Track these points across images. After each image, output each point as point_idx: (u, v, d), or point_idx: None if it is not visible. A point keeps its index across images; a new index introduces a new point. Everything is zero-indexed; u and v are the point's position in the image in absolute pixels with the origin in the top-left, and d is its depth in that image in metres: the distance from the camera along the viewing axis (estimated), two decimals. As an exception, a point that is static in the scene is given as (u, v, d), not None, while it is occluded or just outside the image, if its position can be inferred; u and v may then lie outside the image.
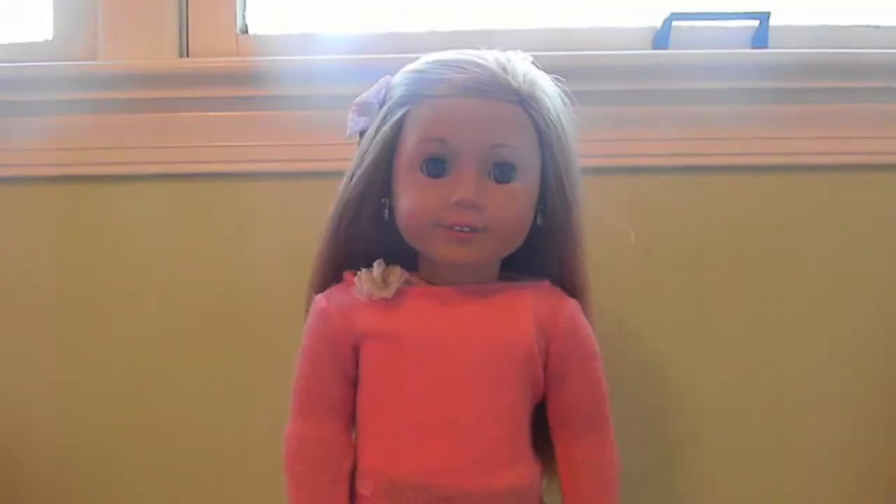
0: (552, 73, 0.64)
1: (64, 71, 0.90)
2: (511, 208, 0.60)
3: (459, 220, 0.59)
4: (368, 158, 0.62)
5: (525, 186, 0.61)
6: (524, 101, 0.60)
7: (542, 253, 0.65)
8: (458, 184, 0.59)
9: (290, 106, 0.89)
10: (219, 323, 0.91)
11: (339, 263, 0.66)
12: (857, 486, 0.89)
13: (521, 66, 0.61)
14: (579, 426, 0.64)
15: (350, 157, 0.66)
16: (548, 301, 0.64)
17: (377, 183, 0.63)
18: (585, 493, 0.63)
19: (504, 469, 0.61)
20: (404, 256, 0.64)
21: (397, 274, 0.63)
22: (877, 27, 0.92)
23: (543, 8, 0.95)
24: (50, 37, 0.96)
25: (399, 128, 0.62)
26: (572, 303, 0.65)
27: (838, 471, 0.89)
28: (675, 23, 0.90)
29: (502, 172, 0.60)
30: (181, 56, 0.94)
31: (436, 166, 0.60)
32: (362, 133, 0.66)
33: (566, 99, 0.64)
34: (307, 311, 0.66)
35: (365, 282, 0.62)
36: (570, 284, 0.66)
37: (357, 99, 0.66)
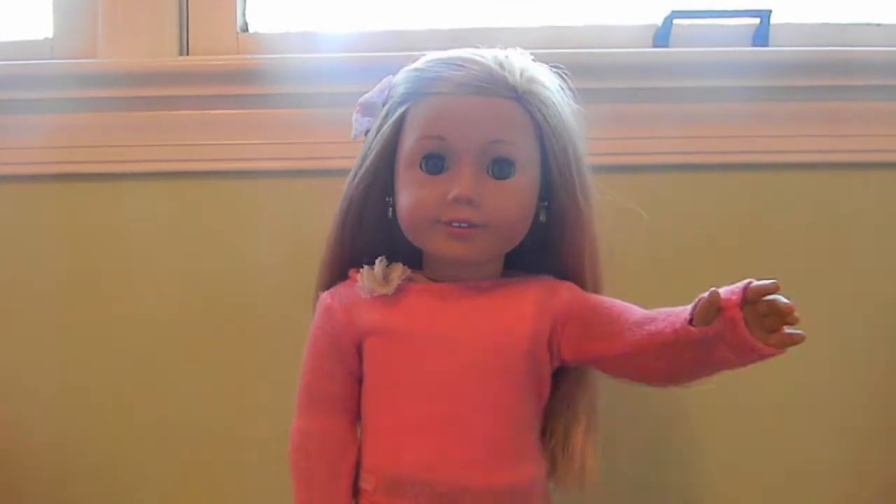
0: (552, 70, 0.64)
1: (64, 69, 0.90)
2: (509, 204, 0.60)
3: (457, 217, 0.59)
4: (370, 157, 0.63)
5: (524, 182, 0.61)
6: (521, 97, 0.60)
7: (553, 250, 0.65)
8: (455, 180, 0.59)
9: (290, 104, 0.89)
10: (219, 321, 0.91)
11: (345, 262, 0.66)
12: (857, 485, 0.89)
13: (519, 63, 0.61)
14: (638, 319, 0.60)
15: (350, 155, 0.66)
16: (547, 291, 0.63)
17: (380, 181, 0.63)
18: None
19: (506, 466, 0.61)
20: (409, 254, 0.64)
21: (399, 271, 0.63)
22: (877, 25, 0.92)
23: (544, 5, 0.95)
24: (50, 35, 0.96)
25: (399, 126, 0.62)
26: (569, 283, 0.64)
27: (839, 471, 0.89)
28: (675, 20, 0.90)
29: (500, 168, 0.60)
30: (181, 54, 0.94)
31: (434, 163, 0.60)
32: (367, 133, 0.66)
33: (569, 94, 0.64)
34: (314, 308, 0.66)
35: (367, 278, 0.62)
36: (582, 283, 0.65)
37: (361, 99, 0.66)
